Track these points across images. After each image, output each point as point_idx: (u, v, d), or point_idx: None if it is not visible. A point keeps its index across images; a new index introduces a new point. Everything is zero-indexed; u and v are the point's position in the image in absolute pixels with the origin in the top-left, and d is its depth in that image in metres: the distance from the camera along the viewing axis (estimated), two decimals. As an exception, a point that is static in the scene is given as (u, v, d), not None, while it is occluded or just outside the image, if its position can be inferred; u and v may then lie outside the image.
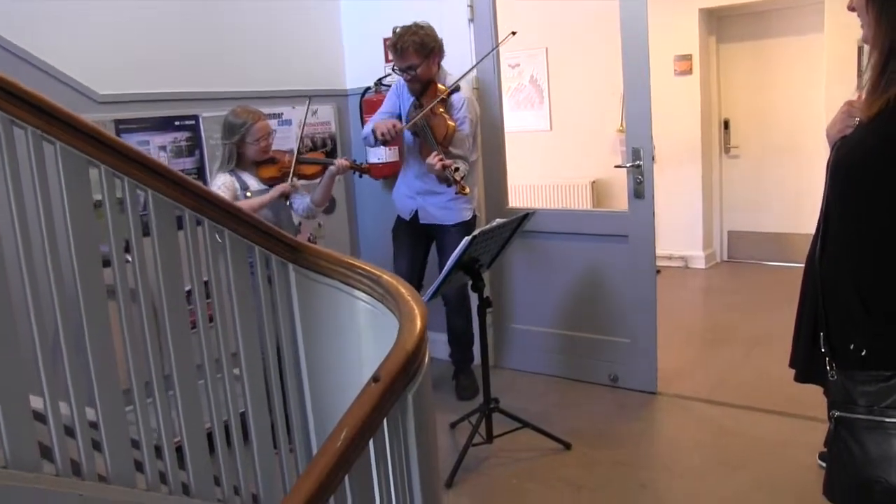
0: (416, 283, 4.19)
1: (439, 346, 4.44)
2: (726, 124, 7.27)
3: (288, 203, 3.67)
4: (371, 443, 1.52)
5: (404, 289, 1.95)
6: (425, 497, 1.74)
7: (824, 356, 1.71)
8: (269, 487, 2.27)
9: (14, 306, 1.66)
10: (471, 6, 4.38)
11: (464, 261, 3.35)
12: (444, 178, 3.73)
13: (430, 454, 1.81)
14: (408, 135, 4.00)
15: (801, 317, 1.82)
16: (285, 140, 4.31)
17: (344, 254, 2.33)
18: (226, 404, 2.19)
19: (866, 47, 1.62)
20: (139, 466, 1.93)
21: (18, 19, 3.24)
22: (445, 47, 3.95)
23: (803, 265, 1.81)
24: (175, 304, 2.00)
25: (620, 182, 5.44)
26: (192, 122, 3.89)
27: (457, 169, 3.71)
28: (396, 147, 4.49)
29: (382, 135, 3.87)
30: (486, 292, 3.59)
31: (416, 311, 1.81)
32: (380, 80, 4.65)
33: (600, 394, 4.21)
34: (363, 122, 4.68)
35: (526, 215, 3.66)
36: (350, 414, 1.47)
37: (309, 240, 4.46)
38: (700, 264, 7.26)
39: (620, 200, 6.03)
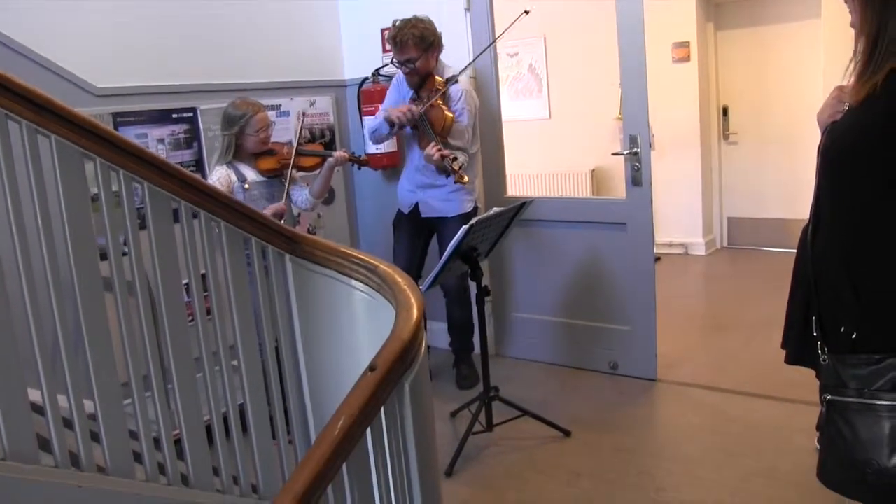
0: (415, 274, 4.20)
1: (439, 335, 4.45)
2: (725, 111, 7.26)
3: (285, 196, 3.67)
4: (368, 431, 1.53)
5: (400, 278, 1.96)
6: (423, 485, 1.75)
7: (816, 340, 1.72)
8: (268, 477, 2.28)
9: (11, 300, 1.66)
10: (467, -5, 4.38)
11: (462, 249, 3.35)
12: (443, 168, 3.73)
13: (428, 442, 1.82)
14: (408, 128, 4.00)
15: (793, 300, 1.83)
16: (284, 132, 4.31)
17: (342, 244, 2.34)
18: (224, 396, 2.20)
19: None
20: (138, 458, 1.94)
21: (15, 13, 3.24)
22: (442, 37, 3.94)
23: None
24: (173, 297, 2.00)
25: (620, 170, 5.43)
26: (190, 114, 3.89)
27: (455, 158, 3.71)
28: (394, 137, 4.48)
29: (398, 118, 3.83)
30: (485, 281, 3.59)
31: (413, 300, 1.82)
32: (377, 70, 4.65)
33: (600, 381, 4.22)
34: (361, 113, 4.68)
35: (523, 204, 3.66)
36: (347, 403, 1.48)
37: (308, 230, 4.47)
38: (700, 251, 7.26)
39: (620, 188, 6.03)
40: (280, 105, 4.37)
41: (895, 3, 1.54)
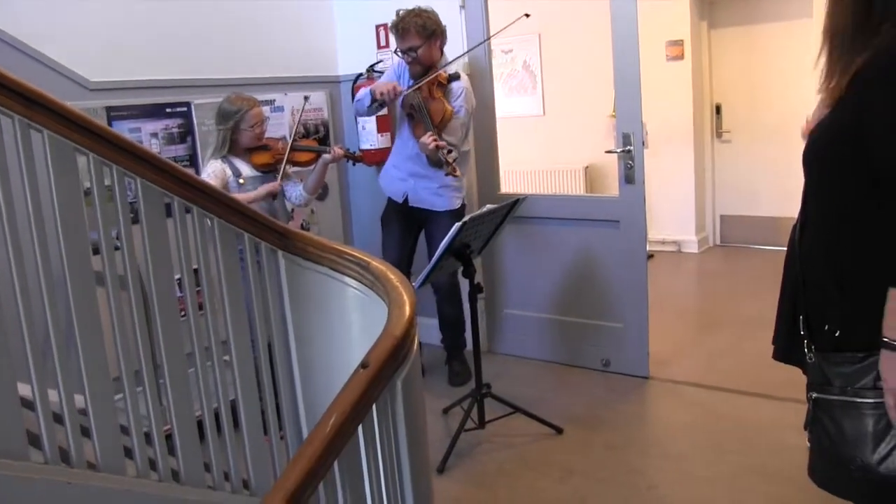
0: (405, 269, 4.19)
1: (431, 332, 4.45)
2: (718, 109, 7.28)
3: (274, 200, 3.66)
4: (360, 429, 1.53)
5: (393, 275, 1.96)
6: (415, 482, 1.75)
7: (803, 338, 1.73)
8: (260, 473, 2.28)
9: (2, 294, 1.66)
10: (462, -8, 4.38)
11: (454, 246, 3.35)
12: (436, 158, 3.73)
13: (419, 439, 1.82)
14: (403, 115, 3.99)
15: (782, 298, 1.84)
16: (278, 127, 4.30)
17: (336, 240, 2.34)
18: (216, 392, 2.20)
19: None
20: (129, 453, 1.93)
21: (7, 6, 3.23)
22: (446, 30, 3.95)
23: None
24: (165, 292, 2.00)
25: (614, 167, 5.43)
26: (184, 108, 3.88)
27: (449, 151, 3.72)
28: (389, 133, 4.49)
29: (381, 94, 3.85)
30: (478, 278, 3.59)
31: (405, 297, 1.82)
32: (372, 66, 4.64)
33: (592, 378, 4.23)
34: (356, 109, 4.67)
35: (517, 201, 3.66)
36: (339, 400, 1.48)
37: (302, 226, 4.47)
38: (693, 248, 7.28)
39: (614, 185, 6.03)
40: (274, 100, 4.36)
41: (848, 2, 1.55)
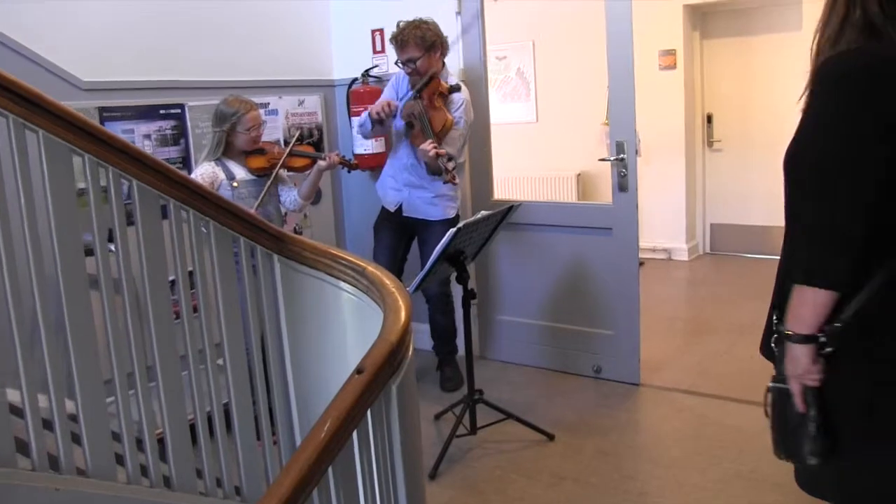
0: (396, 277, 4.17)
1: (423, 337, 4.44)
2: (709, 118, 7.31)
3: (261, 197, 3.64)
4: (355, 434, 1.52)
5: (389, 280, 1.95)
6: (409, 488, 1.75)
7: (771, 334, 1.78)
8: (252, 479, 2.27)
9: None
10: (459, -2, 4.38)
11: (449, 252, 3.35)
12: (436, 166, 3.73)
13: (413, 446, 1.81)
14: (400, 124, 3.99)
15: (772, 300, 1.87)
16: (273, 130, 4.29)
17: (329, 245, 2.33)
18: (209, 395, 2.18)
19: None
20: (120, 459, 1.92)
21: (0, 5, 3.21)
22: (447, 41, 3.97)
23: None
24: (159, 294, 1.99)
25: (606, 174, 5.44)
26: (178, 110, 3.87)
27: (450, 159, 3.72)
28: (383, 138, 4.48)
29: (377, 114, 3.88)
30: (471, 284, 3.59)
31: (401, 303, 1.81)
32: (367, 71, 4.64)
33: (584, 385, 4.23)
34: (350, 114, 4.67)
35: (511, 207, 3.66)
36: (334, 405, 1.47)
37: (294, 230, 4.46)
38: (683, 256, 7.30)
39: (605, 193, 6.04)
40: (269, 103, 4.35)
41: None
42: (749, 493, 3.01)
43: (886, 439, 1.60)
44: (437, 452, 3.39)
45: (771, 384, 1.78)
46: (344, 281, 2.14)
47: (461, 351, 4.10)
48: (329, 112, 4.86)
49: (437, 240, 3.38)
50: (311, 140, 4.68)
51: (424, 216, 4.09)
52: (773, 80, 6.77)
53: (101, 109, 3.54)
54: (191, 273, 2.14)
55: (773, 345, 1.78)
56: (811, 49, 1.66)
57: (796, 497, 1.99)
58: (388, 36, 4.16)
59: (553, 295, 4.43)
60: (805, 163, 1.58)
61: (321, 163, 3.69)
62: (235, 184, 3.49)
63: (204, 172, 3.47)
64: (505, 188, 6.86)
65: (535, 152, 7.31)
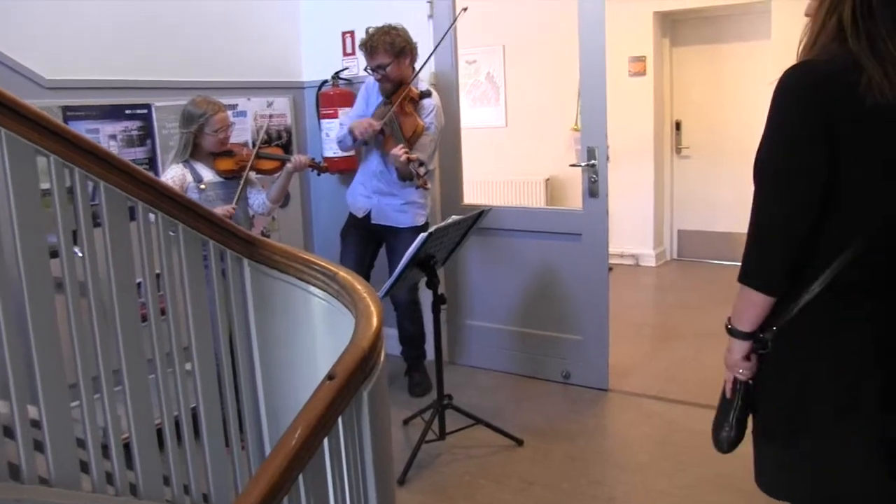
0: (366, 283, 4.15)
1: (392, 342, 4.42)
2: (678, 125, 7.37)
3: (236, 199, 3.59)
4: (326, 441, 1.50)
5: (360, 285, 1.93)
6: (380, 495, 1.73)
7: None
8: (221, 486, 2.24)
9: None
10: (430, 2, 4.37)
11: (419, 257, 3.33)
12: (407, 172, 3.72)
13: (384, 452, 1.80)
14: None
15: None
16: (241, 132, 4.25)
17: (298, 248, 2.30)
18: (177, 399, 2.15)
19: None
20: (84, 467, 1.88)
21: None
22: (417, 47, 3.96)
23: None
24: (126, 297, 1.95)
25: (574, 179, 5.47)
26: (145, 111, 3.81)
27: (421, 164, 3.70)
28: (353, 141, 4.46)
29: (361, 134, 3.86)
30: (441, 289, 3.58)
31: (373, 309, 1.80)
32: (337, 73, 4.61)
33: (552, 391, 4.24)
34: (319, 116, 4.64)
35: (481, 212, 3.66)
36: (305, 412, 1.45)
37: (262, 234, 4.41)
38: (650, 262, 7.35)
39: (573, 198, 6.07)
40: (237, 105, 4.30)
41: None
42: (717, 499, 3.03)
43: (816, 439, 1.66)
44: (406, 458, 3.37)
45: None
46: (315, 286, 2.12)
47: (430, 356, 4.08)
48: (298, 114, 4.82)
49: (406, 247, 3.36)
50: (280, 142, 4.64)
51: (394, 223, 4.07)
52: (741, 88, 6.86)
53: (65, 109, 3.48)
54: (159, 276, 2.10)
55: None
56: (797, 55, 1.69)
57: (762, 502, 2.00)
58: (358, 38, 4.14)
59: (522, 300, 4.44)
60: (754, 170, 1.64)
61: (289, 165, 3.65)
62: (203, 186, 3.44)
63: (174, 174, 3.41)
64: (473, 192, 6.83)
65: (504, 157, 7.32)
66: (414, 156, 3.70)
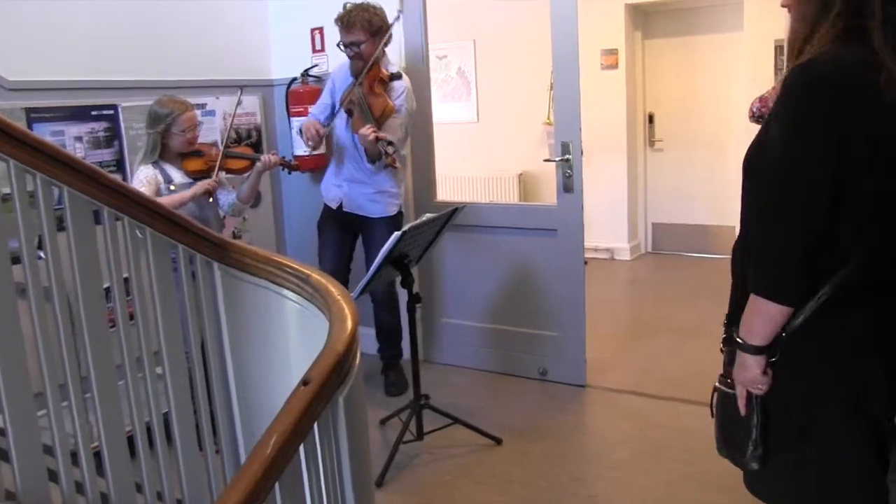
0: (343, 276, 4.12)
1: (367, 341, 4.38)
2: (651, 118, 7.40)
3: (210, 199, 3.54)
4: (302, 448, 1.47)
5: (334, 288, 1.89)
6: (358, 499, 1.70)
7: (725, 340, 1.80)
8: (195, 492, 2.19)
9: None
10: (401, -1, 4.33)
11: (393, 256, 3.30)
12: (375, 150, 3.68)
13: (362, 457, 1.77)
14: (342, 113, 3.92)
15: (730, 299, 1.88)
16: (210, 131, 4.19)
17: (270, 249, 2.26)
18: (148, 404, 2.10)
19: (783, 45, 1.69)
20: (53, 476, 1.83)
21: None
22: (391, 29, 3.91)
23: (726, 256, 1.89)
24: (92, 302, 1.90)
25: (547, 174, 5.47)
26: (111, 111, 3.74)
27: (389, 143, 3.66)
28: (324, 140, 4.40)
29: (310, 139, 3.85)
30: (416, 287, 3.55)
31: (347, 311, 1.76)
32: (307, 70, 4.56)
33: (530, 388, 4.22)
34: (289, 114, 4.59)
35: (455, 210, 3.63)
36: (279, 419, 1.42)
37: (233, 234, 4.36)
38: (625, 256, 7.37)
39: (548, 193, 6.06)
40: (205, 104, 4.24)
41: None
42: (695, 494, 3.03)
43: (822, 444, 1.62)
44: (383, 459, 3.34)
45: (716, 385, 1.81)
46: (288, 289, 2.08)
47: (406, 354, 4.04)
48: (268, 112, 4.76)
49: (382, 239, 3.33)
50: (250, 141, 4.59)
51: (366, 213, 4.04)
52: (714, 80, 6.91)
53: (29, 110, 3.40)
54: (126, 280, 2.05)
55: (721, 346, 1.79)
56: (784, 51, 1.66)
57: (743, 498, 2.00)
58: (327, 35, 4.10)
59: (498, 297, 4.42)
60: (766, 173, 1.57)
61: (259, 164, 3.60)
62: (173, 187, 3.39)
63: (147, 176, 3.35)
64: (446, 188, 6.84)
65: (476, 152, 7.30)
66: (383, 135, 3.66)
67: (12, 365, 1.71)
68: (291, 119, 4.56)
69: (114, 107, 3.74)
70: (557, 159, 3.99)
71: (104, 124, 3.71)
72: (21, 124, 2.25)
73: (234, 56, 4.57)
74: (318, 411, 1.50)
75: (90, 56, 3.71)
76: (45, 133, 3.39)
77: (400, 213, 4.09)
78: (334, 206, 4.12)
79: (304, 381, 1.50)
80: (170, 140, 3.41)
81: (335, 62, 4.10)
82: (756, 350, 1.61)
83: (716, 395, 1.81)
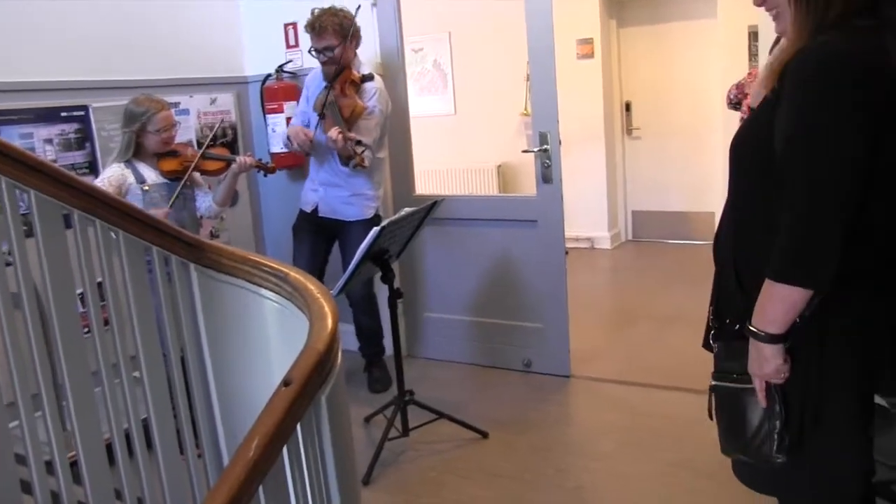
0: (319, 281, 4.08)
1: (349, 338, 4.35)
2: (628, 106, 7.41)
3: (171, 202, 3.47)
4: (285, 449, 1.44)
5: (313, 286, 1.86)
6: (344, 498, 1.67)
7: (709, 329, 1.78)
8: (177, 497, 2.16)
9: None
10: (375, -9, 4.29)
11: (373, 252, 3.27)
12: (346, 151, 3.64)
13: (346, 456, 1.74)
14: (314, 116, 3.89)
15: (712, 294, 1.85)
16: (185, 130, 4.13)
17: (248, 248, 2.23)
18: (126, 411, 2.06)
19: (757, 32, 1.66)
20: (27, 488, 1.78)
21: None
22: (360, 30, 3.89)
23: (705, 242, 1.87)
24: (65, 308, 1.86)
25: (526, 165, 5.45)
26: (82, 112, 3.68)
27: (358, 143, 3.63)
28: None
29: (300, 145, 3.84)
30: (397, 283, 3.52)
31: (327, 309, 1.73)
32: (281, 66, 4.51)
33: (514, 380, 4.21)
34: (265, 111, 4.53)
35: (434, 203, 3.60)
36: (261, 421, 1.39)
37: (211, 234, 4.31)
38: (606, 244, 7.38)
39: (527, 184, 6.05)
40: (179, 103, 4.18)
41: None
42: (685, 483, 3.03)
43: (829, 433, 1.61)
44: (369, 457, 3.31)
45: (714, 383, 1.77)
46: (266, 288, 2.04)
47: (389, 351, 4.02)
48: (243, 110, 4.71)
49: (357, 242, 3.30)
50: (226, 139, 4.53)
51: (342, 217, 4.00)
52: (689, 67, 6.92)
53: (-4, 113, 3.34)
54: (100, 284, 2.01)
55: (710, 341, 1.76)
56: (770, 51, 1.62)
57: (730, 486, 2.00)
58: (301, 30, 4.06)
59: (480, 290, 4.40)
60: (793, 158, 1.49)
61: (234, 166, 3.55)
62: (147, 187, 3.33)
63: (112, 175, 3.29)
64: (424, 181, 6.80)
65: (454, 145, 7.28)
66: (351, 135, 3.63)
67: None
68: (267, 116, 4.51)
69: (84, 107, 3.68)
70: (536, 150, 3.97)
71: (75, 125, 3.64)
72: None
73: (208, 54, 4.50)
74: (300, 412, 1.48)
75: (59, 56, 3.64)
76: (12, 136, 3.32)
77: (377, 216, 4.04)
78: (309, 209, 4.09)
79: (286, 382, 1.47)
80: (145, 139, 3.35)
81: (309, 57, 4.05)
82: (773, 339, 1.56)
83: (713, 395, 1.78)
